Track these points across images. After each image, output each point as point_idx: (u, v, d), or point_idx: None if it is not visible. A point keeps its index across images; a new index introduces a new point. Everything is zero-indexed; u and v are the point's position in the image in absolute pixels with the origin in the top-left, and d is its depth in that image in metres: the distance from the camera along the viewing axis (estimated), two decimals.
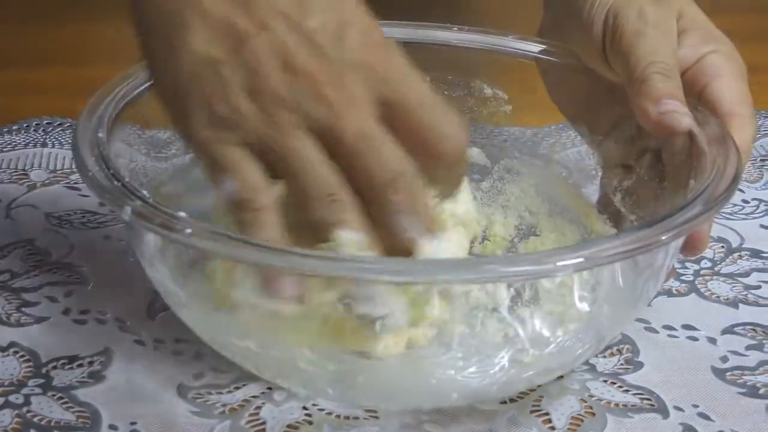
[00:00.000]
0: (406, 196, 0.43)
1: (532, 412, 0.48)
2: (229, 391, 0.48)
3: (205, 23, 0.43)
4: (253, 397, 0.48)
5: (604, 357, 0.51)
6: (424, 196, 0.44)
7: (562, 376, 0.49)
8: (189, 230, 0.41)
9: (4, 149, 0.68)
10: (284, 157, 0.43)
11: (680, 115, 0.48)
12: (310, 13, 0.43)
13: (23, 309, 0.53)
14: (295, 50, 0.42)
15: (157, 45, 0.44)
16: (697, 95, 0.51)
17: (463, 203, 0.47)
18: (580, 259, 0.41)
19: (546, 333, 0.45)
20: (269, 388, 0.48)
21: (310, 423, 0.46)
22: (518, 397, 0.48)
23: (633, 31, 0.50)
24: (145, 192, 0.43)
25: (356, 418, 0.47)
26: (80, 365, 0.50)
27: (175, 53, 0.43)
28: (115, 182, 0.44)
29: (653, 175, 0.53)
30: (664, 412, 0.48)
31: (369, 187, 0.43)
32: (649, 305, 0.53)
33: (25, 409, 0.47)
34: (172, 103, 0.44)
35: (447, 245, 0.45)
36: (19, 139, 0.70)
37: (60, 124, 0.71)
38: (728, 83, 0.50)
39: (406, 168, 0.43)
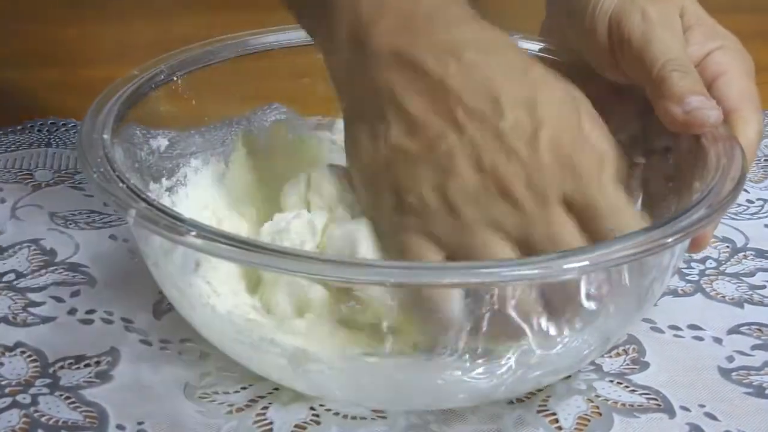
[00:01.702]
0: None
1: (539, 412, 0.48)
2: (236, 391, 0.48)
3: (402, 118, 0.44)
4: (260, 397, 0.48)
5: (611, 357, 0.52)
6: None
7: (568, 377, 0.50)
8: (193, 232, 0.41)
9: (9, 149, 0.68)
10: (469, 255, 0.44)
11: (708, 110, 0.48)
12: (504, 113, 0.44)
13: (29, 309, 0.53)
14: (488, 151, 0.43)
15: (360, 130, 0.46)
16: None
17: None
18: (586, 263, 0.41)
19: (552, 332, 0.45)
20: (276, 389, 0.48)
21: (318, 423, 0.47)
22: (525, 397, 0.48)
23: (641, 34, 0.50)
24: (150, 194, 0.43)
25: (363, 418, 0.47)
26: (87, 365, 0.50)
27: (375, 141, 0.45)
28: (120, 184, 0.44)
29: (659, 175, 0.53)
30: (670, 412, 0.48)
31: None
32: (655, 305, 0.53)
33: (32, 409, 0.47)
34: (366, 187, 0.46)
35: None
36: (24, 139, 0.70)
37: (64, 125, 0.71)
38: (733, 80, 0.50)
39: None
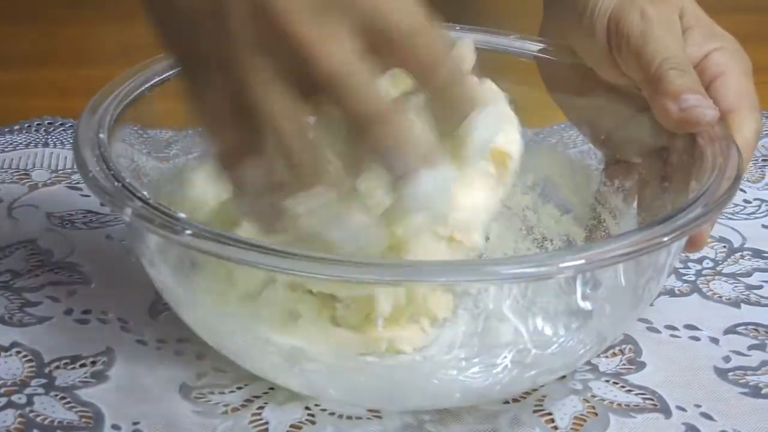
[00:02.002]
0: (393, 129, 0.39)
1: (534, 412, 0.48)
2: (232, 391, 0.48)
3: None
4: (256, 396, 0.48)
5: (607, 357, 0.51)
6: (420, 129, 0.41)
7: (564, 376, 0.49)
8: (189, 231, 0.41)
9: (6, 149, 0.68)
10: (252, 110, 0.40)
11: (703, 109, 0.48)
12: None
13: (25, 309, 0.53)
14: None
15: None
16: None
17: (507, 134, 0.44)
18: (581, 261, 0.41)
19: (548, 332, 0.45)
20: (271, 388, 0.48)
21: (313, 423, 0.46)
22: (521, 397, 0.48)
23: (639, 33, 0.50)
24: (145, 193, 0.43)
25: (359, 418, 0.47)
26: (83, 365, 0.50)
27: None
28: (116, 183, 0.44)
29: (655, 174, 0.53)
30: (666, 412, 0.48)
31: (354, 130, 0.40)
32: (651, 305, 0.53)
33: (27, 409, 0.47)
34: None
35: (446, 179, 0.41)
36: (21, 139, 0.70)
37: (61, 124, 0.71)
38: (731, 80, 0.50)
39: (387, 103, 0.39)
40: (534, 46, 0.58)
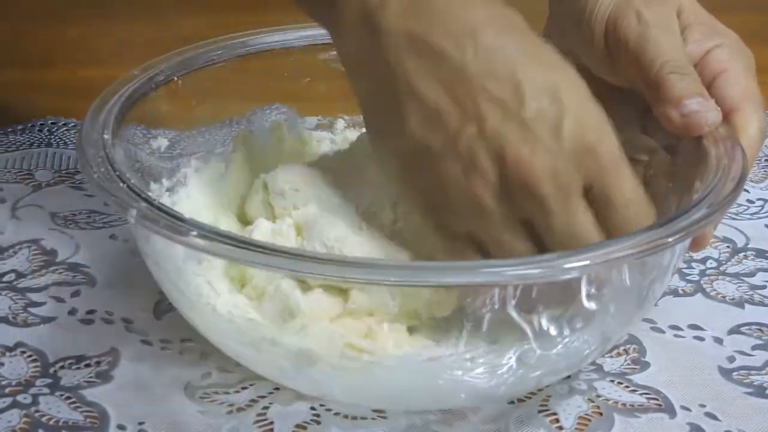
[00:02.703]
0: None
1: (539, 412, 0.48)
2: (237, 391, 0.48)
3: (421, 108, 0.43)
4: (261, 397, 0.48)
5: (611, 357, 0.52)
6: None
7: (569, 377, 0.50)
8: (194, 232, 0.41)
9: (9, 149, 0.68)
10: (495, 251, 0.44)
11: (705, 113, 0.48)
12: (525, 101, 0.43)
13: (30, 309, 0.53)
14: (511, 143, 0.43)
15: (379, 120, 0.46)
16: None
17: None
18: (586, 262, 0.41)
19: (553, 332, 0.45)
20: (276, 388, 0.48)
21: (318, 423, 0.47)
22: (526, 397, 0.48)
23: (636, 36, 0.49)
24: (150, 194, 0.43)
25: (364, 418, 0.47)
26: (87, 365, 0.50)
27: (395, 129, 0.44)
28: (120, 184, 0.44)
29: (659, 175, 0.53)
30: (671, 411, 0.48)
31: None
32: (655, 305, 0.53)
33: (33, 409, 0.47)
34: (401, 178, 0.46)
35: None
36: (24, 139, 0.70)
37: (65, 124, 0.71)
38: (734, 78, 0.50)
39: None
40: None
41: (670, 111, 0.48)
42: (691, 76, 0.49)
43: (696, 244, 0.50)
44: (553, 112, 0.43)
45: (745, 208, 0.65)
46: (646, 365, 0.51)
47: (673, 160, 0.51)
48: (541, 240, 0.44)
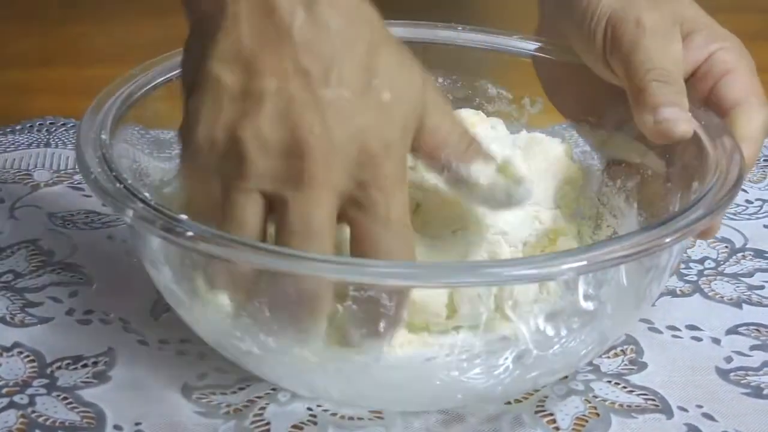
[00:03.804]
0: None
1: (536, 412, 0.48)
2: (234, 392, 0.48)
3: (232, 45, 0.42)
4: (258, 397, 0.48)
5: (609, 358, 0.51)
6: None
7: (566, 377, 0.50)
8: (190, 233, 0.41)
9: (8, 149, 0.68)
10: (225, 206, 0.42)
11: (676, 122, 0.48)
12: (330, 83, 0.42)
13: (27, 309, 0.53)
14: (298, 112, 0.42)
15: (193, 41, 0.44)
16: (707, 94, 0.51)
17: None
18: (584, 263, 0.41)
19: (550, 332, 0.45)
20: (273, 389, 0.48)
21: (315, 423, 0.47)
22: (523, 397, 0.48)
23: (630, 41, 0.50)
24: (147, 194, 0.43)
25: (361, 418, 0.47)
26: (84, 365, 0.50)
27: (202, 53, 0.43)
28: (118, 184, 0.44)
29: (657, 175, 0.53)
30: (668, 412, 0.48)
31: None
32: (653, 305, 0.53)
33: (29, 410, 0.47)
34: (183, 87, 0.45)
35: None
36: (23, 139, 0.70)
37: (63, 124, 0.71)
38: (738, 76, 0.50)
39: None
40: (531, 46, 0.58)
41: (645, 116, 0.49)
42: (673, 86, 0.49)
43: (705, 234, 0.50)
44: (349, 106, 0.42)
45: (744, 208, 0.65)
46: (643, 366, 0.51)
47: (671, 160, 0.51)
48: (276, 223, 0.42)
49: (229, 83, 0.42)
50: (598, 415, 0.48)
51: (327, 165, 0.41)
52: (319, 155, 0.41)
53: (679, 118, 0.48)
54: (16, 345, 0.51)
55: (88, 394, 0.48)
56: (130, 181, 0.44)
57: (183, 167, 0.44)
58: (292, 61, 0.42)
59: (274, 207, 0.42)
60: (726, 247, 0.61)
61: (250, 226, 0.42)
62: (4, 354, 0.50)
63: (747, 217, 0.65)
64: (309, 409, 0.47)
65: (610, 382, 0.50)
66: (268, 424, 0.47)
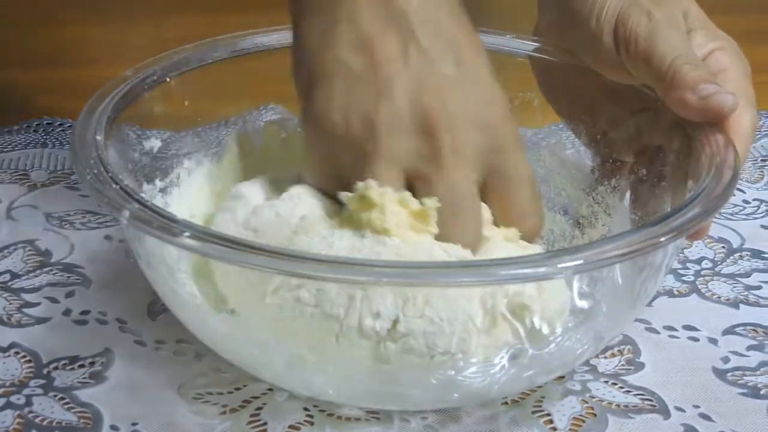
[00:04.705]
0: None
1: (533, 412, 0.48)
2: (230, 392, 0.48)
3: (354, 31, 0.45)
4: (254, 397, 0.48)
5: (605, 358, 0.51)
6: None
7: (563, 377, 0.50)
8: (187, 233, 0.41)
9: (5, 149, 0.68)
10: (365, 179, 0.44)
11: (724, 95, 0.48)
12: (453, 61, 0.45)
13: (24, 309, 0.53)
14: (427, 92, 0.44)
15: (311, 24, 0.46)
16: None
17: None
18: (579, 262, 0.41)
19: (545, 331, 0.45)
20: (270, 389, 0.48)
21: (312, 424, 0.47)
22: (519, 397, 0.48)
23: (647, 34, 0.50)
24: (144, 194, 0.43)
25: (357, 419, 0.47)
26: (81, 366, 0.50)
27: (325, 42, 0.45)
28: (113, 185, 0.44)
29: (651, 174, 0.53)
30: (665, 412, 0.48)
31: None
32: (650, 305, 0.53)
33: (26, 410, 0.47)
34: (299, 78, 0.46)
35: None
36: (20, 140, 0.70)
37: (60, 125, 0.71)
38: (728, 77, 0.50)
39: (475, 241, 0.45)
40: (529, 46, 0.58)
41: (687, 95, 0.48)
42: (704, 68, 0.49)
43: (693, 236, 0.50)
44: (473, 85, 0.45)
45: (741, 208, 0.65)
46: (640, 366, 0.51)
47: (665, 158, 0.52)
48: (415, 194, 0.45)
49: (357, 68, 0.44)
50: (595, 415, 0.48)
51: (462, 140, 0.44)
52: (453, 131, 0.44)
53: (723, 92, 0.48)
54: (12, 345, 0.51)
55: (84, 394, 0.48)
56: (126, 182, 0.44)
57: (312, 154, 0.46)
58: (414, 42, 0.44)
59: (416, 187, 0.45)
60: (723, 247, 0.61)
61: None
62: (1, 354, 0.50)
63: (744, 217, 0.65)
64: (305, 409, 0.47)
65: (607, 382, 0.50)
66: (264, 424, 0.47)
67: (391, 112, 0.44)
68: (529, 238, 0.47)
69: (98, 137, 0.47)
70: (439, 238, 0.45)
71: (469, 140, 0.45)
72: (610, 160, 0.56)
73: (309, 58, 0.46)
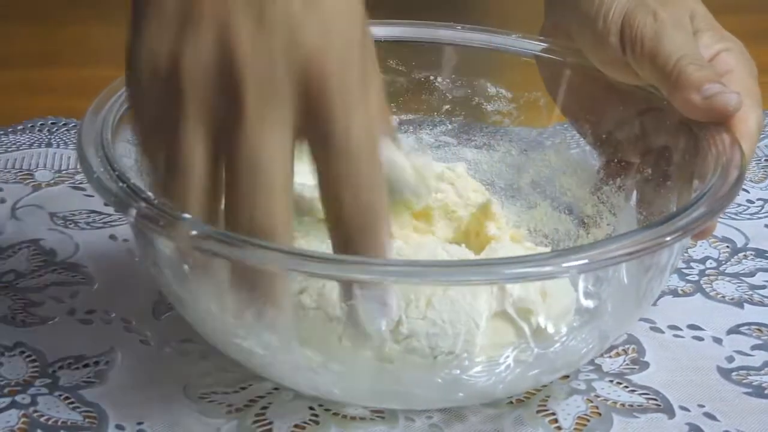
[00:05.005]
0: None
1: (538, 412, 0.48)
2: (236, 391, 0.48)
3: None
4: (260, 397, 0.48)
5: (610, 357, 0.51)
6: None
7: (568, 376, 0.50)
8: (194, 232, 0.41)
9: (9, 149, 0.68)
10: (171, 142, 0.39)
11: (729, 95, 0.48)
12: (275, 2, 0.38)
13: (29, 309, 0.53)
14: (238, 34, 0.38)
15: None
16: None
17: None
18: (584, 261, 0.41)
19: (551, 330, 0.45)
20: (275, 388, 0.48)
21: (317, 423, 0.47)
22: (524, 397, 0.48)
23: (653, 34, 0.50)
24: (150, 193, 0.43)
25: (362, 418, 0.47)
26: (86, 365, 0.50)
27: None
28: (120, 184, 0.44)
29: (657, 174, 0.53)
30: (670, 412, 0.48)
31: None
32: (654, 305, 0.53)
33: (31, 409, 0.47)
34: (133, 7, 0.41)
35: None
36: (24, 139, 0.70)
37: (65, 124, 0.71)
38: (734, 78, 0.51)
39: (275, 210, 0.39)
40: (535, 46, 0.58)
41: (692, 96, 0.48)
42: (709, 68, 0.49)
43: (699, 236, 0.50)
44: (298, 26, 0.38)
45: (745, 208, 0.65)
46: (645, 365, 0.51)
47: (671, 158, 0.52)
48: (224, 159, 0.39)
49: (170, 5, 0.39)
50: (599, 414, 0.48)
51: (270, 95, 0.38)
52: (260, 86, 0.38)
53: (728, 91, 0.48)
54: (17, 345, 0.51)
55: (89, 393, 0.48)
56: (132, 181, 0.44)
57: (128, 92, 0.41)
58: None
59: (220, 146, 0.39)
60: (727, 246, 0.61)
61: (194, 168, 0.39)
62: (6, 354, 0.50)
63: (748, 216, 0.65)
64: (311, 408, 0.47)
65: (611, 381, 0.50)
66: (270, 423, 0.47)
67: (194, 59, 0.38)
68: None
69: (105, 136, 0.47)
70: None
71: (281, 93, 0.38)
72: (616, 160, 0.56)
73: None
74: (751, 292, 0.57)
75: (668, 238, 0.42)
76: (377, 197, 0.40)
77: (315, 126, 0.39)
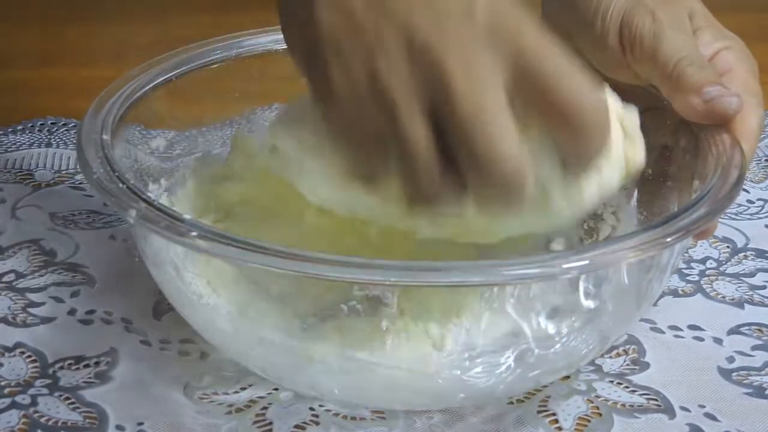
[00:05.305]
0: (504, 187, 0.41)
1: (538, 412, 0.48)
2: (236, 392, 0.48)
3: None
4: (260, 397, 0.48)
5: (611, 357, 0.51)
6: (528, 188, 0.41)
7: (568, 377, 0.50)
8: (194, 233, 0.41)
9: (9, 149, 0.68)
10: (394, 138, 0.41)
11: (729, 98, 0.48)
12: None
13: (29, 309, 0.53)
14: (418, 23, 0.40)
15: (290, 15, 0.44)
16: None
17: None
18: (585, 262, 0.41)
19: (551, 331, 0.45)
20: (276, 389, 0.48)
21: (317, 423, 0.47)
22: (525, 397, 0.48)
23: (652, 35, 0.50)
24: (149, 194, 0.43)
25: (363, 418, 0.47)
26: (87, 365, 0.50)
27: (304, 16, 0.42)
28: (120, 184, 0.44)
29: (657, 174, 0.53)
30: (670, 412, 0.48)
31: (471, 167, 0.41)
32: (655, 305, 0.53)
33: (32, 410, 0.47)
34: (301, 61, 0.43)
35: None
36: (24, 139, 0.70)
37: (65, 125, 0.71)
38: (738, 76, 0.51)
39: (514, 154, 0.40)
40: None
41: (691, 98, 0.48)
42: (709, 69, 0.49)
43: (700, 236, 0.50)
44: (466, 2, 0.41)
45: (745, 208, 0.65)
46: (645, 366, 0.51)
47: (671, 158, 0.52)
48: (444, 132, 0.41)
49: (342, 27, 0.41)
50: (600, 415, 0.48)
51: (471, 56, 0.40)
52: (459, 52, 0.40)
53: (728, 94, 0.48)
54: (18, 345, 0.51)
55: (90, 394, 0.48)
56: (132, 181, 0.44)
57: (334, 127, 0.43)
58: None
59: (440, 118, 0.41)
60: (728, 247, 0.61)
61: (425, 148, 0.41)
62: (6, 354, 0.50)
63: (749, 216, 0.65)
64: (311, 408, 0.47)
65: (612, 382, 0.50)
66: (270, 424, 0.47)
67: (388, 59, 0.40)
68: (593, 139, 0.42)
69: (104, 136, 0.47)
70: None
71: (480, 55, 0.40)
72: None
73: (296, 33, 0.43)
74: (751, 293, 0.57)
75: (669, 239, 0.42)
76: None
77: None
